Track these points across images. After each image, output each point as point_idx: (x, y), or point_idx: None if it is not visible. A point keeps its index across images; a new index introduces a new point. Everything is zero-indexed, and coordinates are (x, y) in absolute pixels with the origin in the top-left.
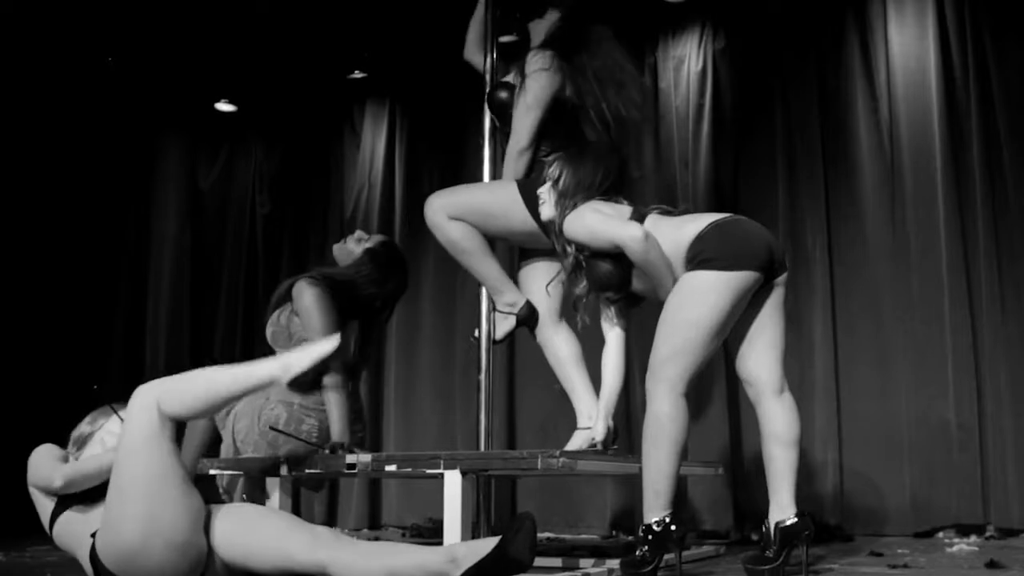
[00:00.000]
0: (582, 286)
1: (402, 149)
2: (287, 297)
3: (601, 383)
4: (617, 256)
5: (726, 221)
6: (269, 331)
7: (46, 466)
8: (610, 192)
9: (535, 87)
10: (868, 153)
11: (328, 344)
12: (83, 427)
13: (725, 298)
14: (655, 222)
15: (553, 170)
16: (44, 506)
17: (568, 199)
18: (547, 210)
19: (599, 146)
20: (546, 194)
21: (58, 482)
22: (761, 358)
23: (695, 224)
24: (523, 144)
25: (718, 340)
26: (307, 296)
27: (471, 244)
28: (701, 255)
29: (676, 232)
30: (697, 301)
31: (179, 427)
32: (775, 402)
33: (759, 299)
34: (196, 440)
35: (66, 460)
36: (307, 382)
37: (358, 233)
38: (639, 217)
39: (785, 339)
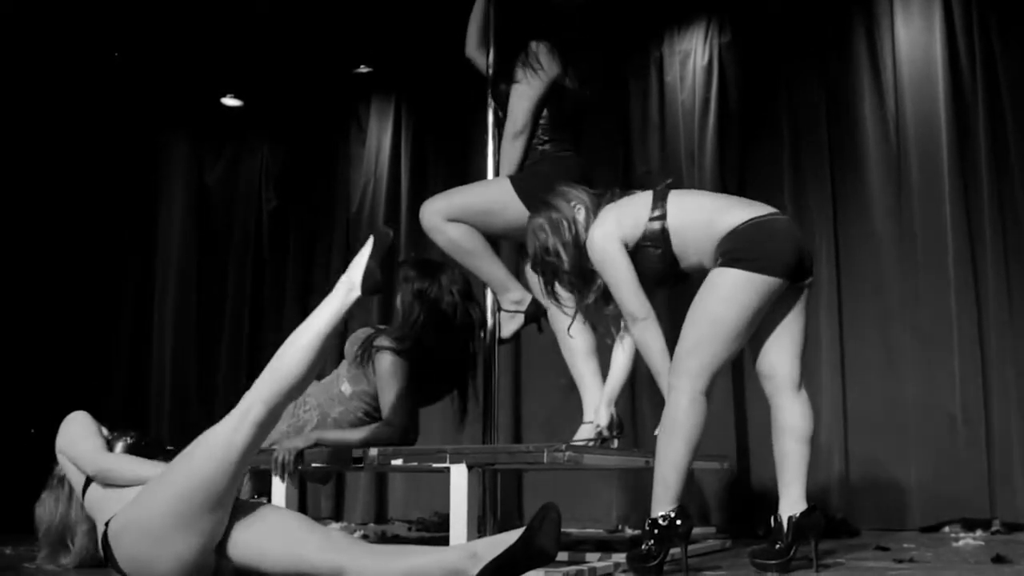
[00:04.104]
0: (611, 307)
1: (408, 144)
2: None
3: (609, 371)
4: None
5: (765, 220)
6: (348, 345)
7: (87, 446)
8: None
9: (531, 72)
10: (874, 146)
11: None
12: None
13: (752, 299)
14: (680, 200)
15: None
16: (76, 473)
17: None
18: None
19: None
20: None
21: (91, 469)
22: (782, 354)
23: (733, 215)
24: (518, 127)
25: (742, 339)
26: (384, 362)
27: (473, 244)
28: (733, 252)
29: (713, 219)
30: (724, 299)
31: None
32: (792, 398)
33: (784, 299)
34: None
35: (101, 433)
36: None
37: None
38: (661, 199)
39: (806, 337)
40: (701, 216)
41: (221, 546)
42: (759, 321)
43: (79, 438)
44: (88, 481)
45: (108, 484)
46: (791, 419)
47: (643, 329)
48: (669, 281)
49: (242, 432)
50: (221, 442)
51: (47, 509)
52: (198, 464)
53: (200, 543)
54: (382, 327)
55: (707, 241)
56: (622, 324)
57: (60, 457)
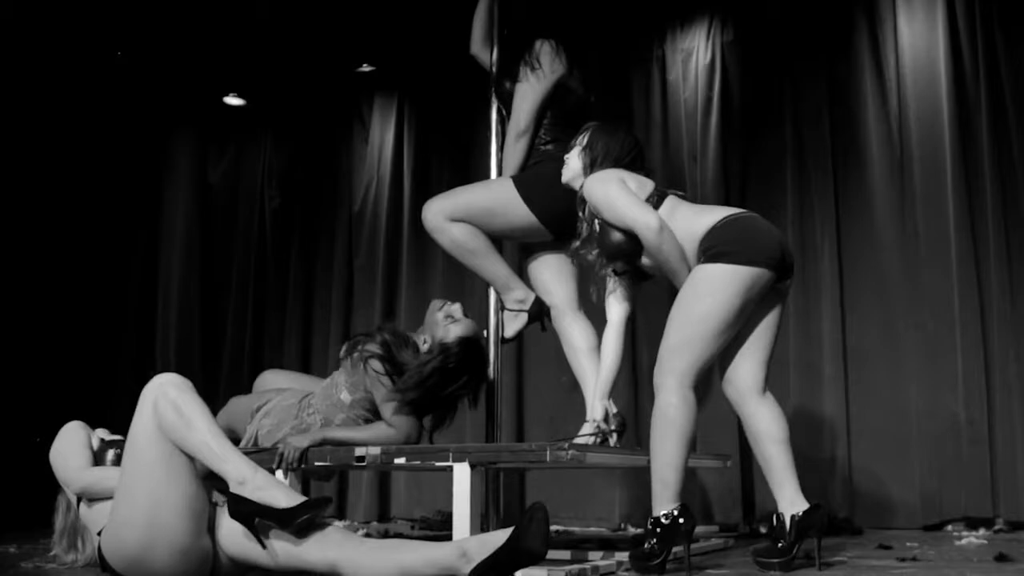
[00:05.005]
0: (594, 253)
1: (411, 142)
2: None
3: (600, 364)
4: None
5: (741, 216)
6: (343, 351)
7: (71, 464)
8: (635, 165)
9: (536, 72)
10: (877, 145)
11: (284, 497)
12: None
13: (737, 292)
14: (674, 205)
15: (583, 138)
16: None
17: (597, 167)
18: (568, 173)
19: (625, 126)
20: (572, 158)
21: (74, 488)
22: (750, 359)
23: (710, 216)
24: (521, 127)
25: (728, 334)
26: (375, 368)
27: (476, 244)
28: (715, 248)
29: (691, 222)
30: (709, 294)
31: None
32: (760, 403)
33: (762, 303)
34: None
35: (90, 446)
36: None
37: (456, 307)
38: (659, 196)
39: (775, 342)
40: (682, 222)
41: (216, 540)
42: (746, 315)
43: (66, 455)
44: (79, 497)
45: (93, 500)
46: (764, 424)
47: (663, 238)
48: (620, 260)
49: (161, 407)
50: (148, 420)
51: (62, 511)
52: (144, 446)
53: (186, 524)
54: (366, 333)
55: (688, 246)
56: (609, 287)
57: (54, 470)
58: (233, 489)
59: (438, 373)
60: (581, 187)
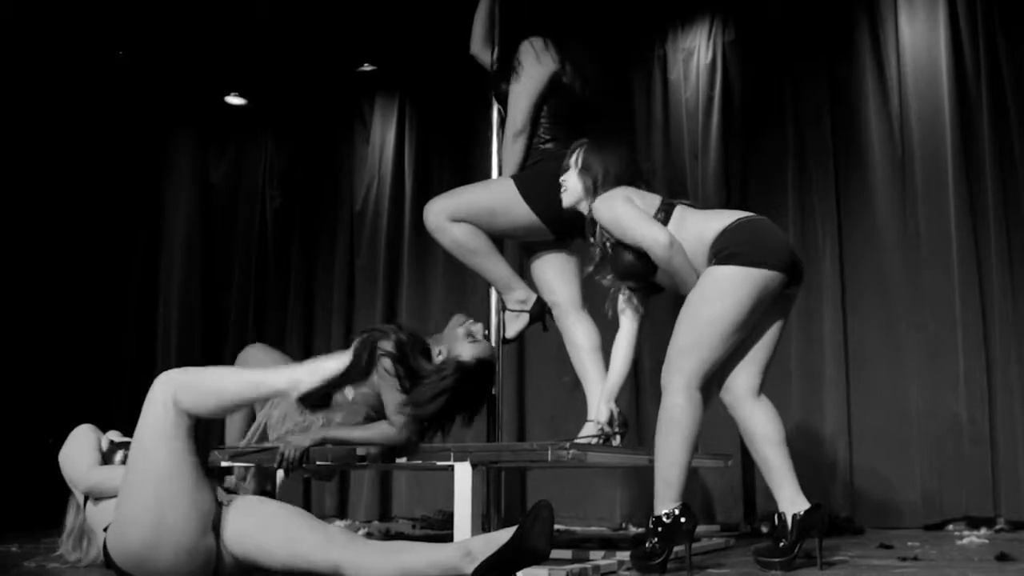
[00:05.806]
0: (609, 277)
1: (412, 142)
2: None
3: (609, 367)
4: (640, 249)
5: (752, 219)
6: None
7: (79, 466)
8: (635, 180)
9: (528, 71)
10: (878, 145)
11: (336, 363)
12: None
13: (748, 294)
14: (682, 214)
15: (577, 158)
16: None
17: (600, 188)
18: (569, 197)
19: (616, 136)
20: (571, 181)
21: (82, 487)
22: (748, 365)
23: (720, 220)
24: (517, 128)
25: (738, 336)
26: (385, 363)
27: (477, 244)
28: (726, 250)
29: (701, 228)
30: (719, 297)
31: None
32: (755, 406)
33: (768, 312)
34: (237, 422)
35: (98, 447)
36: (317, 403)
37: (478, 327)
38: (667, 209)
39: (776, 351)
40: (693, 229)
41: (221, 540)
42: (756, 317)
43: (74, 456)
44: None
45: (100, 498)
46: (760, 427)
47: (674, 252)
48: (632, 280)
49: (180, 396)
50: (154, 420)
51: (72, 512)
52: (151, 446)
53: (192, 524)
54: (380, 329)
55: (699, 250)
56: (620, 304)
57: (63, 471)
58: (294, 395)
59: (453, 391)
60: (590, 211)
